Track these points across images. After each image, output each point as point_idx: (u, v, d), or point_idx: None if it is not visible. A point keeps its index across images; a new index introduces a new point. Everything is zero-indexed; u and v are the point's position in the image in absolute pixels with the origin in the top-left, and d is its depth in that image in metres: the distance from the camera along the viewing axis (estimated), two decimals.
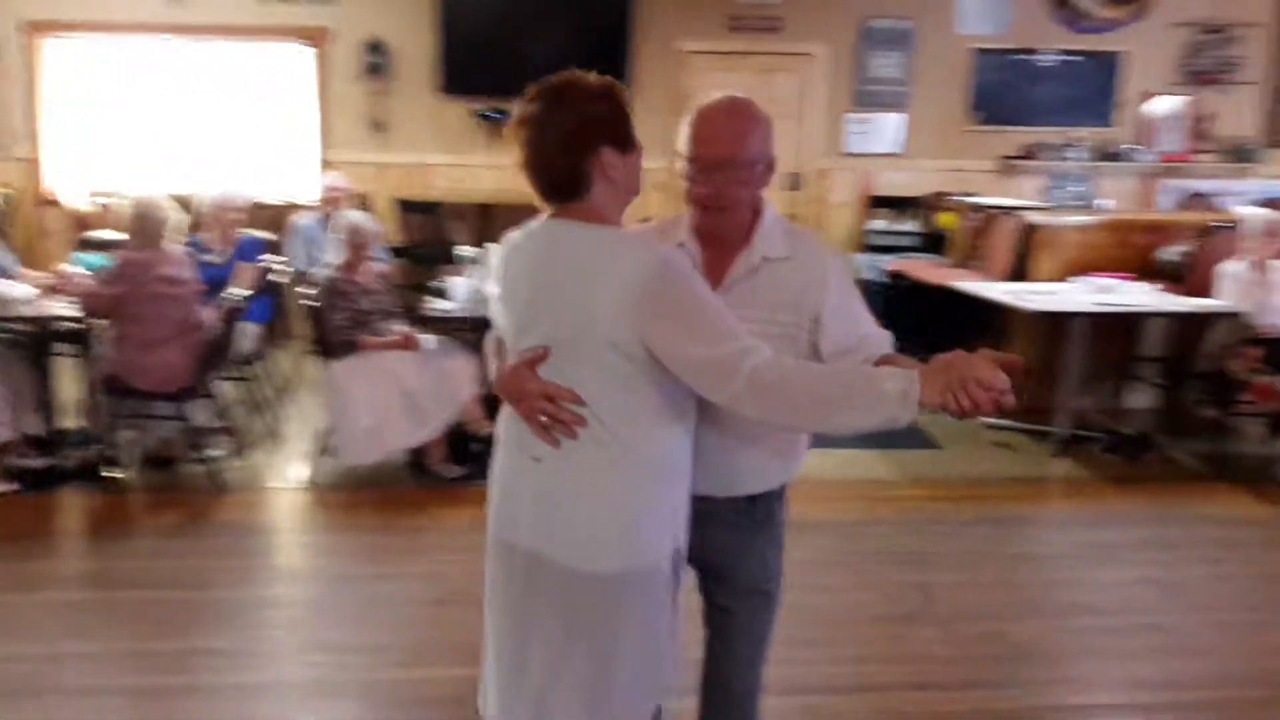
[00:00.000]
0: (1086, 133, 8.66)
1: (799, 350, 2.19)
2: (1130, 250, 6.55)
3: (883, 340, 2.26)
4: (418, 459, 5.29)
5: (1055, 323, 5.98)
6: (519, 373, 2.08)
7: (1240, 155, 8.75)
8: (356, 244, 5.17)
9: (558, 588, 2.09)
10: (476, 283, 5.37)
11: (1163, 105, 8.76)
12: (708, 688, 2.46)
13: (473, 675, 3.43)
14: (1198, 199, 8.75)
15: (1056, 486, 5.43)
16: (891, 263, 7.29)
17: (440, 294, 5.40)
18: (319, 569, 4.30)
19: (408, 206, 7.87)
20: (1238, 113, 8.83)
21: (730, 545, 2.32)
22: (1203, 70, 8.70)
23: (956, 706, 3.35)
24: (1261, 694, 3.45)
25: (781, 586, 2.41)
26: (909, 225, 8.46)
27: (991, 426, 6.16)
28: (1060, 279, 6.38)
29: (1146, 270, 6.43)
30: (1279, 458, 5.54)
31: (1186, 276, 6.20)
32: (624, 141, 2.04)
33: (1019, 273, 6.51)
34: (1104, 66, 8.69)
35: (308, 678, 3.45)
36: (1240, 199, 8.48)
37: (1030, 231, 6.50)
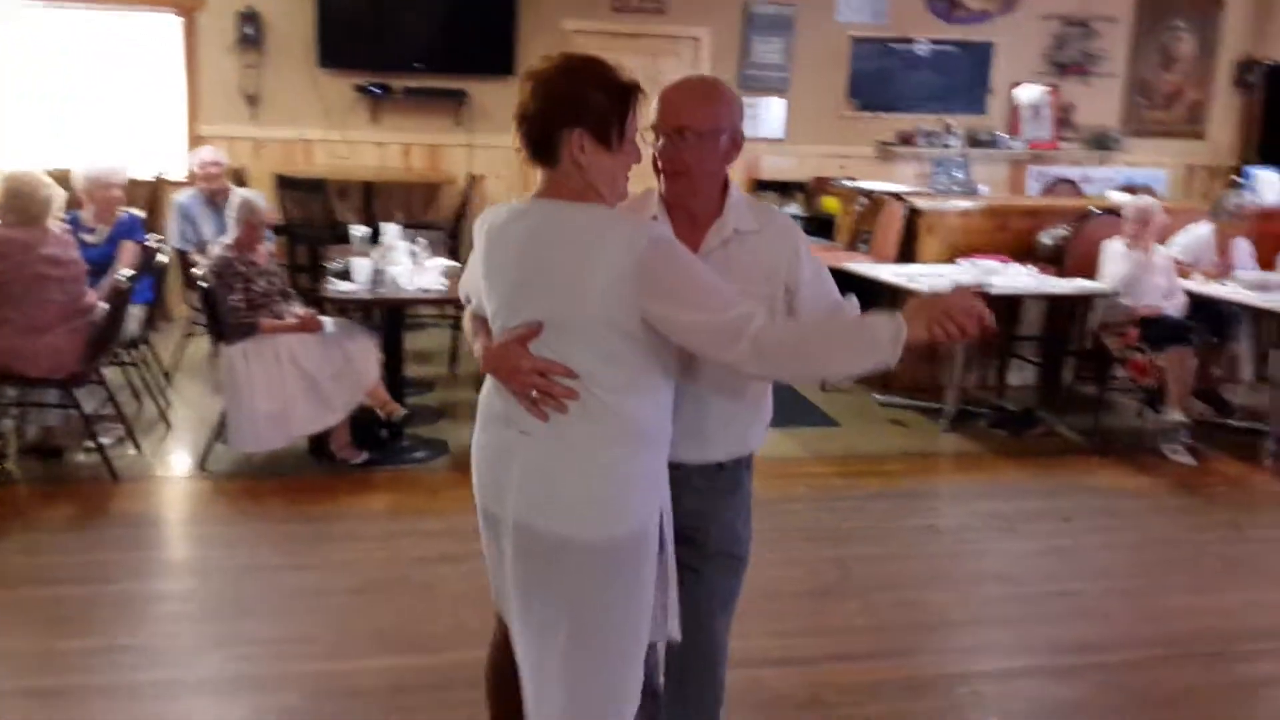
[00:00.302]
0: (959, 120, 8.95)
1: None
2: (1010, 234, 6.81)
3: (853, 305, 2.38)
4: (318, 445, 5.15)
5: None
6: (510, 350, 2.08)
7: (1101, 143, 9.18)
8: (252, 222, 4.99)
9: (549, 558, 2.09)
10: (377, 262, 5.24)
11: (1028, 94, 9.12)
12: (676, 647, 2.48)
13: (405, 665, 3.40)
14: (1063, 184, 9.16)
15: (951, 461, 5.63)
16: None
17: (342, 275, 5.24)
18: (229, 560, 4.14)
19: (288, 183, 7.61)
20: (1099, 103, 9.26)
21: (700, 510, 2.35)
22: (1067, 62, 9.08)
23: (881, 675, 3.45)
24: (1164, 653, 3.64)
25: (750, 552, 2.46)
26: (794, 209, 8.60)
27: (884, 404, 6.34)
28: (945, 262, 6.60)
29: (1025, 253, 6.70)
30: (1155, 430, 5.85)
31: (1064, 259, 6.48)
32: (606, 137, 2.04)
33: (906, 255, 6.70)
34: (976, 56, 8.98)
35: (234, 672, 3.32)
36: (1102, 185, 8.93)
37: (916, 216, 6.69)
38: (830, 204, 8.33)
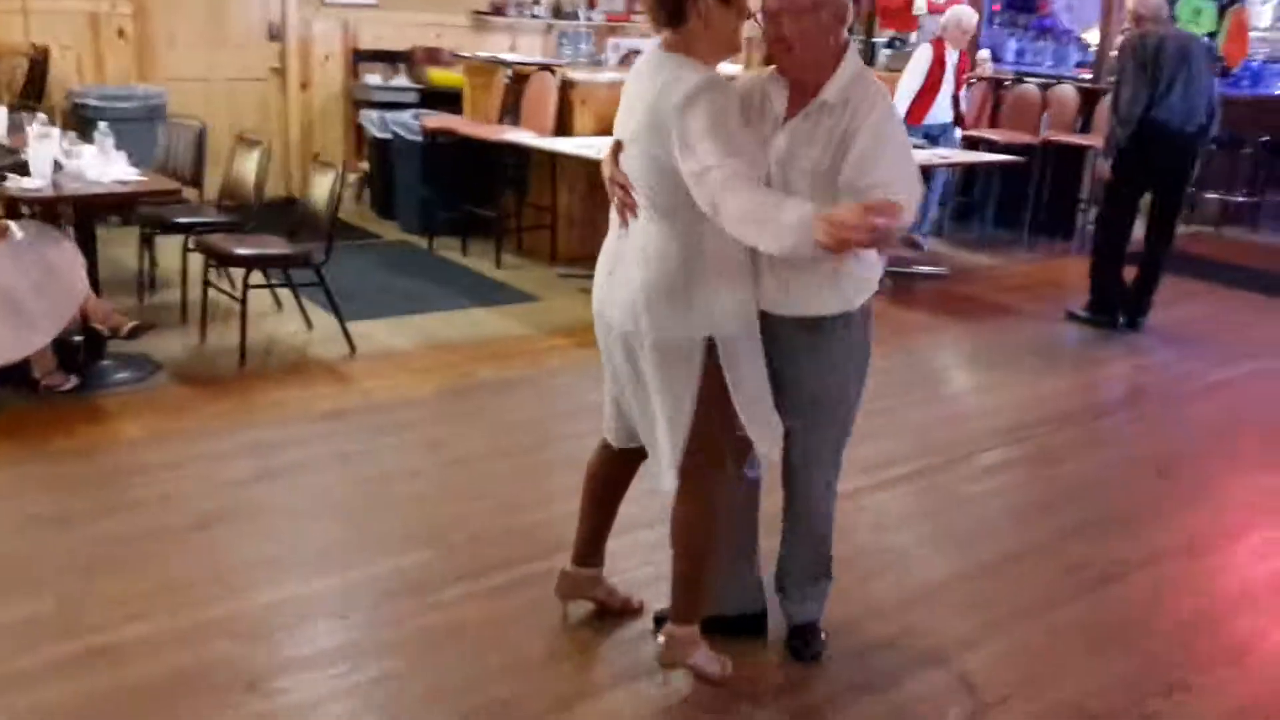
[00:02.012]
0: None
1: None
2: None
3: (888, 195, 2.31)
4: (3, 374, 4.34)
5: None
6: (605, 160, 2.52)
7: None
8: None
9: (628, 346, 2.53)
10: (57, 150, 4.43)
11: None
12: (785, 506, 2.82)
13: (328, 588, 3.12)
14: (637, 55, 9.66)
15: None
16: (429, 119, 7.20)
17: (15, 168, 4.36)
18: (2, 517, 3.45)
19: None
20: None
21: (785, 360, 2.56)
22: None
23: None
24: (943, 460, 4.30)
25: (848, 411, 2.65)
26: (403, 80, 8.33)
27: (565, 275, 6.52)
28: (598, 133, 6.84)
29: None
30: None
31: None
32: None
33: (561, 128, 6.83)
34: None
35: (145, 632, 2.85)
36: (589, 48, 9.49)
37: (569, 88, 6.82)
38: (443, 76, 8.19)
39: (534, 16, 8.99)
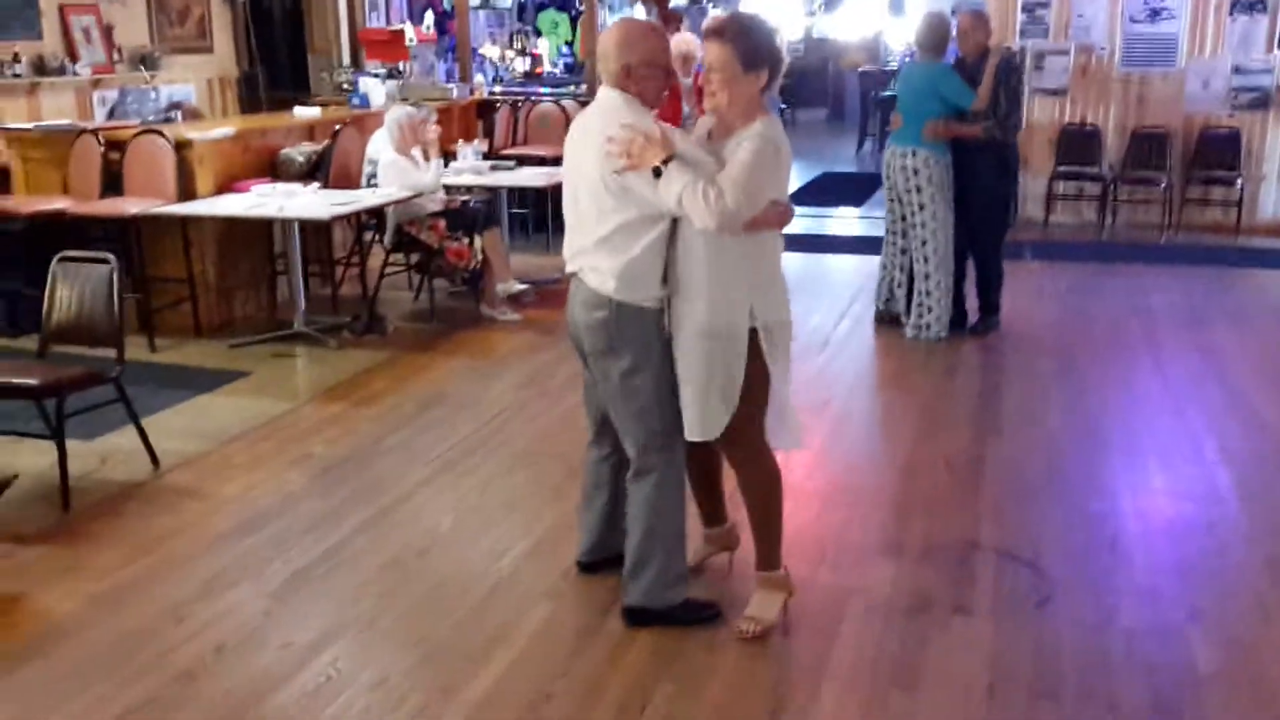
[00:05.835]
0: (22, 46, 8.06)
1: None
2: (253, 155, 6.91)
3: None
4: None
5: (233, 234, 6.39)
6: None
7: (147, 63, 9.12)
8: None
9: None
10: None
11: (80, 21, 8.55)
12: None
13: None
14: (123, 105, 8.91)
15: (398, 367, 5.89)
16: (25, 203, 6.21)
17: None
18: None
19: None
20: (133, 23, 9.12)
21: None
22: None
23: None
24: None
25: None
26: None
27: (237, 346, 6.11)
28: (218, 193, 6.50)
29: (275, 172, 6.92)
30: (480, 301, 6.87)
31: (328, 172, 6.88)
32: None
33: (185, 192, 6.35)
34: None
35: None
36: (155, 104, 9.03)
37: (185, 149, 6.35)
38: None
39: (16, 76, 7.93)
